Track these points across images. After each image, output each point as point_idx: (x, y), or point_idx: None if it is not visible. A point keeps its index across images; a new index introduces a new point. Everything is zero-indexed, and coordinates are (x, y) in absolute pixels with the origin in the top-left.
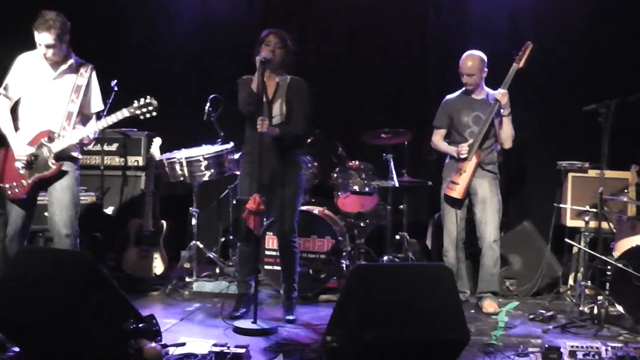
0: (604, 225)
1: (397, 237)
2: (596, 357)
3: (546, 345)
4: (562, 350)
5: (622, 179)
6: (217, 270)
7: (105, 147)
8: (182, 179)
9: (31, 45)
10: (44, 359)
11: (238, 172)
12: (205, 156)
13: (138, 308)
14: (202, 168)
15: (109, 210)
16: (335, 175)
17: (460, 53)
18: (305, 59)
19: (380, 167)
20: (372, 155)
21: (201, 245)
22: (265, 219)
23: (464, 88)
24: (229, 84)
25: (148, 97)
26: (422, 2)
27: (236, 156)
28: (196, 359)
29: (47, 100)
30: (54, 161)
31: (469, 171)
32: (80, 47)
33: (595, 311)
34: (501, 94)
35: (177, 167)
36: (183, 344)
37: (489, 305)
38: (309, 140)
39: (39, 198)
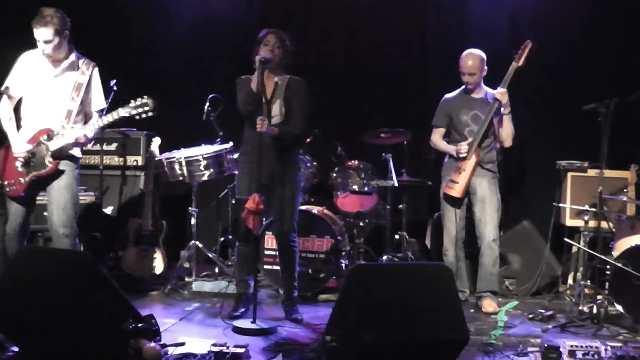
0: (604, 224)
1: (397, 236)
2: (595, 356)
3: (545, 345)
4: (561, 349)
5: (621, 178)
6: (217, 270)
7: (105, 147)
8: (181, 178)
9: (32, 45)
10: (43, 359)
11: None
12: (205, 156)
13: (137, 308)
14: (202, 168)
15: (108, 210)
16: (334, 174)
17: (460, 53)
18: (305, 59)
19: (379, 167)
20: (371, 154)
21: (200, 245)
22: (264, 219)
23: (462, 87)
24: (229, 84)
25: (145, 97)
26: (422, 2)
27: (235, 156)
28: (195, 359)
29: (48, 98)
30: (50, 159)
31: (468, 170)
32: (80, 47)
33: (595, 311)
34: (501, 93)
35: (177, 166)
36: (182, 344)
37: (489, 304)
38: (308, 139)
39: (39, 197)
